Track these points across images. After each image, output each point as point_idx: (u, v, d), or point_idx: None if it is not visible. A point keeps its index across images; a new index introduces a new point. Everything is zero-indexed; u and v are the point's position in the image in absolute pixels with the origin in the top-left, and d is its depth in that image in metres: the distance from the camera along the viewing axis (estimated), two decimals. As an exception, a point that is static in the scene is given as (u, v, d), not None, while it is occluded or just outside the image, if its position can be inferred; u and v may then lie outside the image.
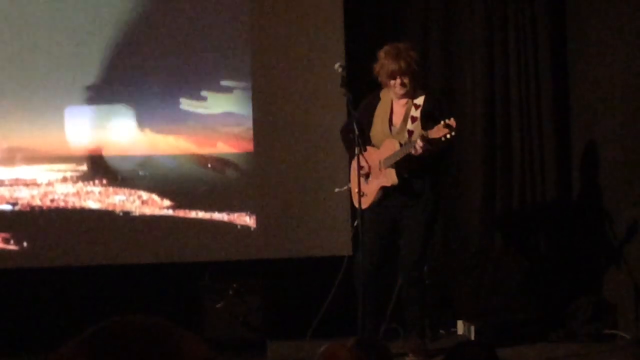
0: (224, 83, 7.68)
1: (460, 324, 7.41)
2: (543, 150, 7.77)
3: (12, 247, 7.53)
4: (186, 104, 7.64)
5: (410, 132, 6.29)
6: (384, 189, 6.36)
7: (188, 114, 7.63)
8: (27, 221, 7.54)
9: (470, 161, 7.85)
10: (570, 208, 7.73)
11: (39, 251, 7.53)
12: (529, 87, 7.80)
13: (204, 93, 7.66)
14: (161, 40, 7.62)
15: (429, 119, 6.27)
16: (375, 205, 6.39)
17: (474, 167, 7.82)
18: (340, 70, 6.21)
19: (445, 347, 6.20)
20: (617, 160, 7.33)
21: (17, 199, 7.53)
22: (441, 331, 7.39)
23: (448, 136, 5.96)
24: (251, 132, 7.68)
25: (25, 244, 7.55)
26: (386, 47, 6.41)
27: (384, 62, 6.35)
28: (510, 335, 7.01)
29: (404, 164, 6.26)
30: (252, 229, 7.69)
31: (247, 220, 7.69)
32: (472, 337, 7.06)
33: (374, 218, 6.37)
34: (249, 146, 7.69)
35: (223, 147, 7.68)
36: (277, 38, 7.71)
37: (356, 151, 6.03)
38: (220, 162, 7.68)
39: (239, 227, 7.68)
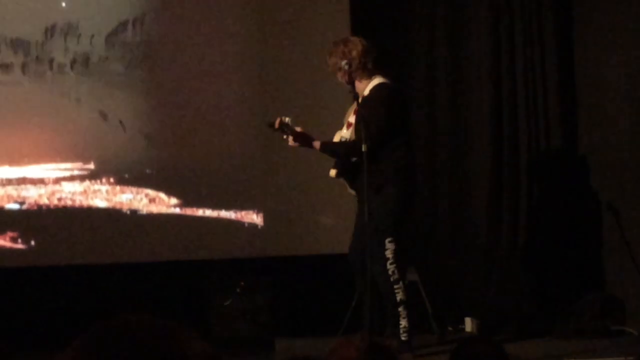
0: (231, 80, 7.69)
1: (467, 321, 7.40)
2: (550, 150, 7.75)
3: (19, 245, 7.54)
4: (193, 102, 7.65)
5: (349, 124, 6.30)
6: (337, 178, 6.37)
7: (195, 111, 7.64)
8: (34, 220, 7.55)
9: (478, 160, 7.83)
10: (577, 204, 7.71)
11: (46, 250, 7.53)
12: (536, 86, 7.77)
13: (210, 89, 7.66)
14: (166, 34, 7.63)
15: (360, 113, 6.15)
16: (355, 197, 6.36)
17: (482, 166, 7.80)
18: (347, 67, 6.20)
19: (453, 340, 6.20)
20: (624, 159, 7.33)
21: (24, 197, 7.54)
22: (449, 328, 7.39)
23: (284, 136, 6.02)
24: (258, 128, 7.67)
25: (32, 242, 7.55)
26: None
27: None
28: (517, 331, 7.02)
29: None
30: (259, 226, 7.68)
31: (254, 218, 7.68)
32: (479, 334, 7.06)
33: (358, 213, 6.37)
34: (256, 143, 7.68)
35: (230, 145, 7.67)
36: (283, 32, 7.68)
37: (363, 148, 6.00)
38: (228, 160, 7.67)
39: (246, 225, 7.68)
